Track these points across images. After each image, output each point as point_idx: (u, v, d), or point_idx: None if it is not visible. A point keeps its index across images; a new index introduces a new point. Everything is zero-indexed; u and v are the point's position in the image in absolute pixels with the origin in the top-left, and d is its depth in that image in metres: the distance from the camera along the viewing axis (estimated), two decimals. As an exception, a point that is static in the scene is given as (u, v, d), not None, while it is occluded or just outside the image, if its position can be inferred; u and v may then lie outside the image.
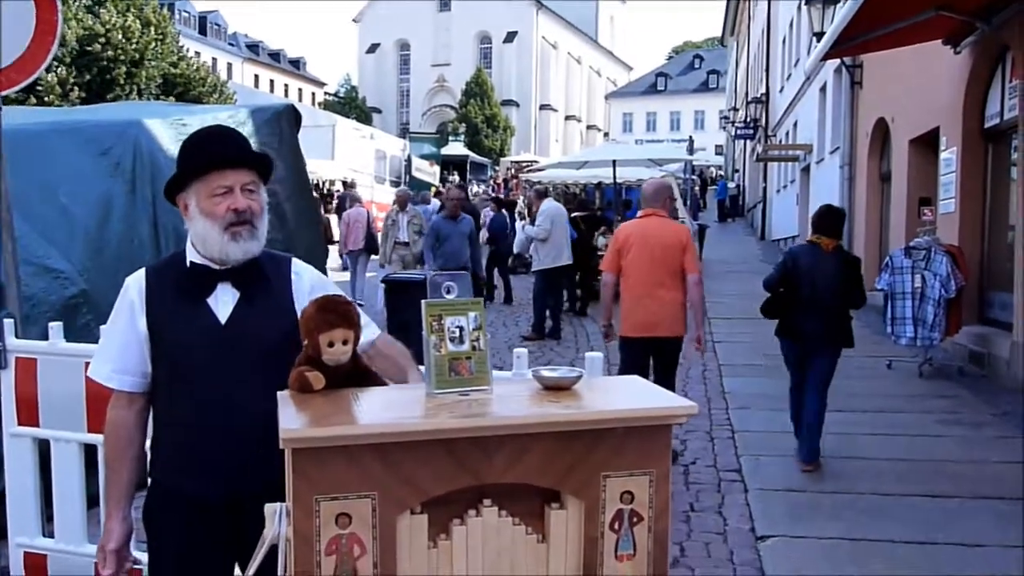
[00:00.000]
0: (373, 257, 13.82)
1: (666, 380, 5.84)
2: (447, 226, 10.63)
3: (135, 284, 2.32)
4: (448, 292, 1.75)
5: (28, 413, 3.67)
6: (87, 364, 2.47)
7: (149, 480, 2.36)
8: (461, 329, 1.73)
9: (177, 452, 2.27)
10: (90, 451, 3.53)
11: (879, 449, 6.29)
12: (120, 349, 2.31)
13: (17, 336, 3.77)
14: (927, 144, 11.29)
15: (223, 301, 2.26)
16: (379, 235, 12.71)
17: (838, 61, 15.59)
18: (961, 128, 9.57)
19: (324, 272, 7.27)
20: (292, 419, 1.53)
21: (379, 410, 1.57)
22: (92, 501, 3.63)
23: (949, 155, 9.96)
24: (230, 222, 2.21)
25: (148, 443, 2.38)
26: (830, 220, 5.94)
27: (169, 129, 6.43)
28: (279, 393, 1.72)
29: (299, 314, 2.29)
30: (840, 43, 9.33)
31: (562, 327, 11.58)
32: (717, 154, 55.66)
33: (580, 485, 1.63)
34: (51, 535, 3.71)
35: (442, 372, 1.69)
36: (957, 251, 8.79)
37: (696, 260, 6.04)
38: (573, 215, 13.56)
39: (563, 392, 1.73)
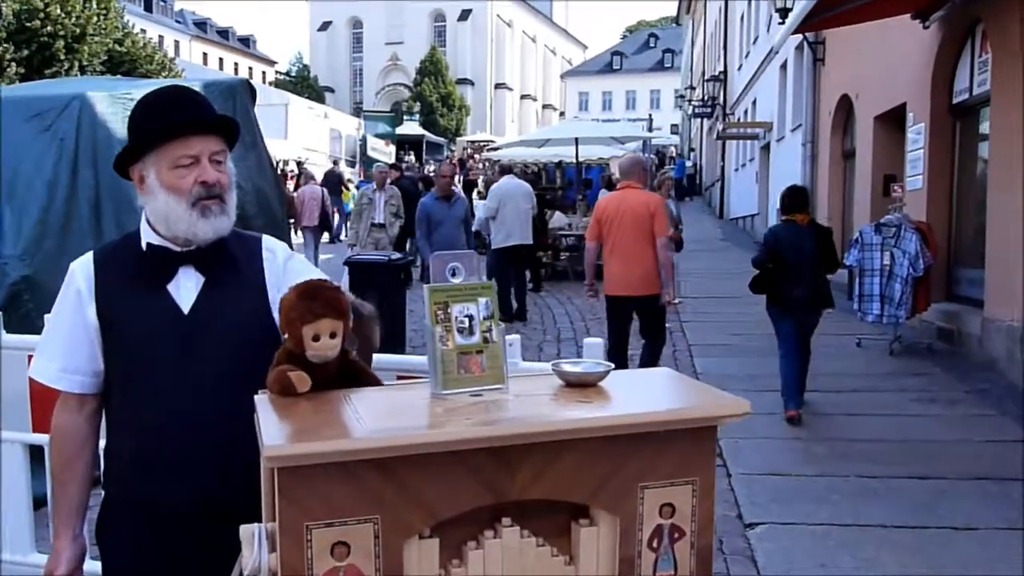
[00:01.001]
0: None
1: (654, 338, 6.89)
2: (439, 209, 9.47)
3: (81, 270, 2.02)
4: (454, 275, 1.49)
5: (-36, 412, 3.34)
6: (30, 357, 2.18)
7: (103, 493, 2.07)
8: (470, 318, 1.47)
9: (137, 460, 1.98)
10: (35, 452, 3.22)
11: (859, 430, 6.18)
12: (66, 345, 2.01)
13: (-51, 328, 3.43)
14: (893, 120, 11.22)
15: (185, 287, 1.98)
16: (351, 214, 12.06)
17: (799, 38, 15.50)
18: (929, 104, 9.49)
19: None
20: (275, 432, 1.26)
21: (379, 417, 1.32)
22: (39, 504, 3.33)
23: (916, 131, 9.90)
24: (199, 196, 1.93)
25: (101, 451, 2.09)
26: (799, 198, 6.72)
27: (115, 104, 6.01)
28: (257, 398, 1.45)
29: (272, 298, 2.03)
30: (809, 17, 9.18)
31: (527, 308, 11.35)
32: (673, 133, 55.75)
33: (614, 498, 1.40)
34: (-7, 544, 3.40)
35: (450, 369, 1.44)
36: (926, 228, 8.72)
37: (666, 225, 6.77)
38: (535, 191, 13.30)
39: (589, 390, 1.49)
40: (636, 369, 1.79)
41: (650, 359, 6.80)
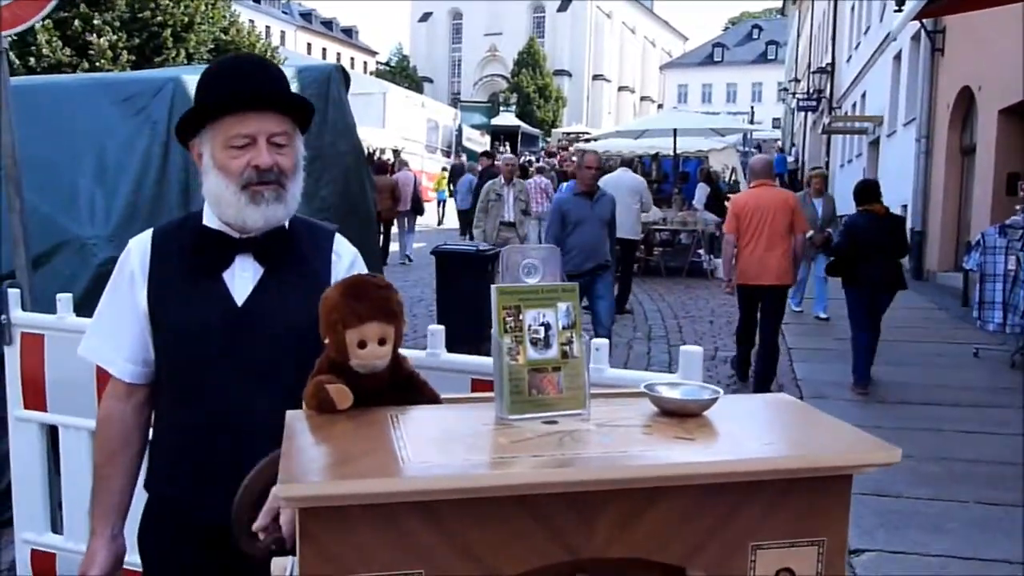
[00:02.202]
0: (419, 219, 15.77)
1: (772, 327, 7.31)
2: (579, 207, 7.33)
3: (138, 249, 1.85)
4: (529, 274, 1.23)
5: (35, 396, 3.26)
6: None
7: (146, 493, 1.90)
8: (547, 327, 1.21)
9: (179, 462, 1.81)
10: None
11: (978, 449, 5.66)
12: (116, 328, 1.85)
13: (24, 309, 3.36)
14: (1020, 114, 10.42)
15: (242, 277, 1.78)
16: (477, 211, 10.32)
17: (916, 27, 14.64)
18: (1064, 96, 8.74)
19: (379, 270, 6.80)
20: (300, 461, 1.02)
21: (428, 448, 1.06)
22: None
23: (1048, 126, 9.13)
24: (250, 181, 1.73)
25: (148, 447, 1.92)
26: (875, 191, 7.34)
27: (207, 87, 5.94)
28: (288, 415, 1.22)
29: None
30: (932, 1, 8.54)
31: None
32: (775, 127, 54.07)
33: (718, 560, 1.12)
34: (61, 531, 3.32)
35: (520, 389, 1.18)
36: (1057, 231, 8.01)
37: (803, 220, 7.36)
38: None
39: (691, 421, 1.21)
40: (748, 395, 1.44)
41: (772, 348, 7.32)
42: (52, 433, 3.32)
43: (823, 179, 10.58)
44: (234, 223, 1.77)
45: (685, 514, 1.10)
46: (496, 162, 16.16)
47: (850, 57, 24.91)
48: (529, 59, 64.94)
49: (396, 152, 22.23)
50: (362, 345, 1.22)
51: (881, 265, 6.98)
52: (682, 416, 1.23)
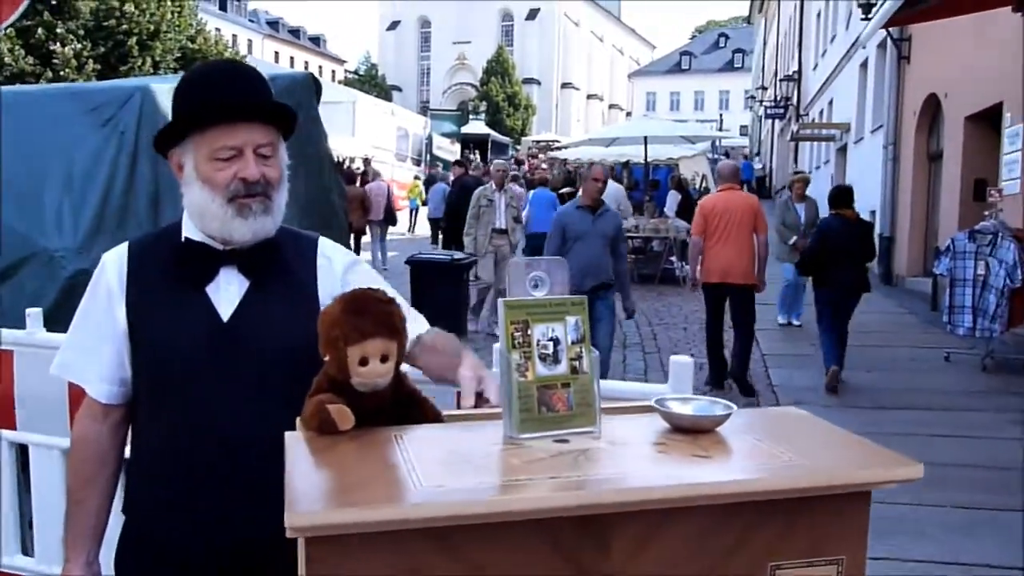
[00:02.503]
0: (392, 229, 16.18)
1: (746, 326, 7.62)
2: (581, 221, 6.79)
3: (114, 263, 1.77)
4: (536, 286, 1.19)
5: (4, 413, 3.16)
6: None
7: (123, 519, 1.82)
8: (556, 342, 1.17)
9: (160, 486, 1.73)
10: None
11: (954, 454, 5.70)
12: (92, 346, 1.77)
13: (-8, 324, 3.25)
14: (986, 120, 10.58)
15: (227, 291, 1.71)
16: (468, 218, 9.85)
17: (882, 35, 14.82)
18: (1029, 102, 8.87)
19: None
20: (305, 487, 0.97)
21: (439, 471, 1.02)
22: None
23: (1014, 132, 9.28)
24: (236, 193, 1.67)
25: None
26: (848, 196, 7.70)
27: (177, 96, 5.84)
28: (288, 436, 1.16)
29: (323, 306, 1.76)
30: (900, 9, 8.65)
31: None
32: (742, 134, 54.60)
33: (735, 581, 1.08)
34: (32, 554, 3.21)
35: (529, 407, 1.14)
36: (1024, 236, 8.12)
37: (766, 222, 7.74)
38: (560, 191, 14.78)
39: (704, 437, 1.17)
40: (758, 409, 1.40)
41: (744, 348, 7.61)
42: (22, 452, 3.22)
43: (805, 183, 10.45)
44: (219, 236, 1.71)
45: (702, 534, 1.06)
46: (470, 171, 16.15)
47: (816, 65, 25.21)
48: (498, 67, 65.00)
49: (367, 161, 22.11)
50: (364, 362, 1.17)
51: (850, 269, 7.35)
52: (695, 432, 1.19)
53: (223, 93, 1.67)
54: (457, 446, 1.11)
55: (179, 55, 23.19)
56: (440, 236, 14.70)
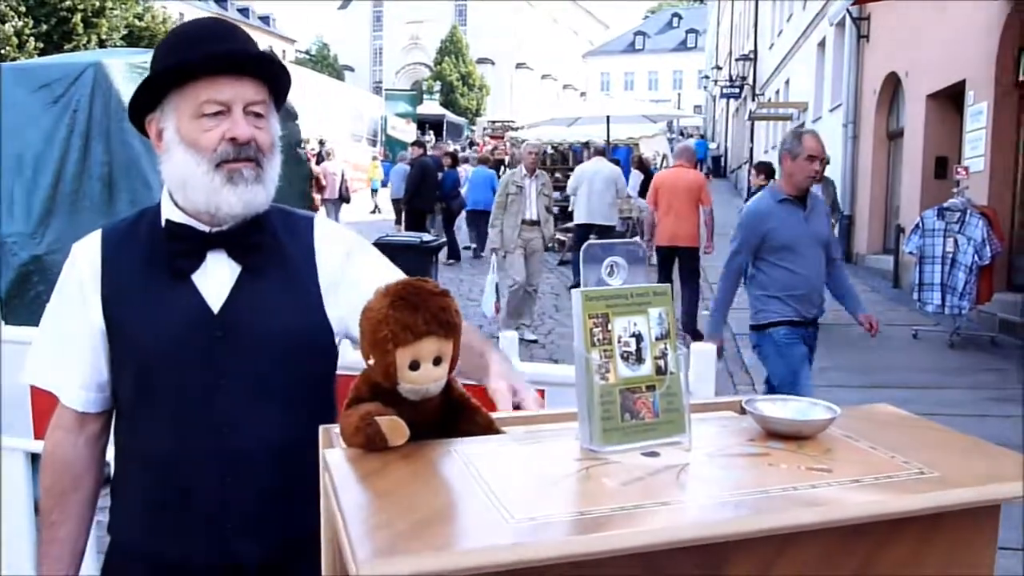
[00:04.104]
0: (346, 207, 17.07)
1: (691, 283, 8.72)
2: (791, 221, 4.57)
3: (85, 254, 1.56)
4: (611, 273, 1.02)
5: (-41, 414, 2.91)
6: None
7: (109, 540, 1.63)
8: (639, 338, 1.00)
9: (144, 504, 1.54)
10: (38, 461, 2.80)
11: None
12: (63, 349, 1.56)
13: (-57, 317, 3.00)
14: (948, 99, 10.63)
15: (216, 278, 1.52)
16: (494, 208, 8.78)
17: (840, 14, 14.86)
18: (994, 80, 8.90)
19: None
20: (367, 526, 0.80)
21: (526, 497, 0.85)
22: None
23: (977, 110, 9.31)
24: (225, 157, 1.46)
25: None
26: (772, 171, 9.09)
27: (133, 72, 5.53)
28: (327, 456, 0.98)
29: (326, 296, 1.58)
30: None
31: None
32: (696, 113, 54.82)
33: (858, 610, 0.93)
34: (-6, 564, 2.98)
35: (611, 414, 0.98)
36: (992, 213, 8.16)
37: (709, 196, 8.86)
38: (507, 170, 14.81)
39: (809, 444, 1.02)
40: (848, 407, 1.23)
41: (691, 302, 8.64)
42: (-20, 456, 2.97)
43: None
44: (205, 210, 1.49)
45: (825, 558, 0.91)
46: (429, 152, 15.92)
47: (772, 44, 25.28)
48: (451, 47, 64.47)
49: (321, 142, 21.69)
50: (415, 366, 0.99)
51: None
52: (795, 439, 1.04)
53: (208, 44, 1.47)
54: (533, 464, 0.95)
55: (125, 32, 22.47)
56: (403, 217, 14.50)
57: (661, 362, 1.01)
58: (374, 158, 25.14)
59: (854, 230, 14.20)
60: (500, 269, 8.41)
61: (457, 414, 1.09)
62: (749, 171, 11.20)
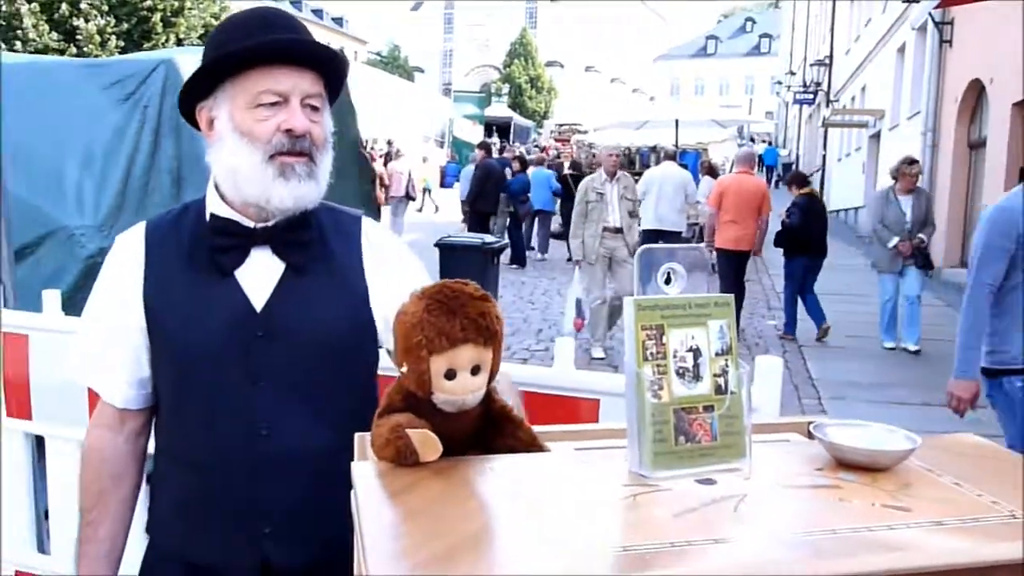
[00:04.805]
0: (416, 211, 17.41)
1: (739, 285, 8.99)
2: None
3: (128, 247, 1.53)
4: (668, 281, 0.94)
5: (19, 403, 2.95)
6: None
7: (147, 539, 1.60)
8: (696, 353, 0.92)
9: (187, 502, 1.50)
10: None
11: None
12: (105, 344, 1.53)
13: (6, 306, 3.04)
14: (1035, 107, 10.18)
15: (259, 276, 1.47)
16: (574, 216, 8.23)
17: (922, 19, 14.39)
18: (1085, 88, 8.48)
19: None
20: (389, 551, 0.73)
21: (572, 527, 0.77)
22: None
23: (1066, 119, 8.88)
24: (279, 149, 1.42)
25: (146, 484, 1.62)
26: (806, 179, 9.80)
27: (202, 66, 5.60)
28: (356, 469, 0.92)
29: (374, 296, 1.52)
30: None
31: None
32: (767, 119, 53.87)
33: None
34: (49, 552, 3.01)
35: (665, 436, 0.89)
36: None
37: (769, 204, 9.08)
38: (564, 173, 15.44)
39: (885, 478, 0.92)
40: (930, 437, 1.11)
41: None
42: (38, 444, 3.01)
43: (917, 173, 8.29)
44: (254, 202, 1.45)
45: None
46: (502, 154, 15.96)
47: (849, 50, 24.65)
48: (521, 49, 64.49)
49: (389, 142, 21.91)
50: (451, 375, 0.92)
51: (823, 241, 9.00)
52: (870, 470, 0.94)
53: (267, 32, 1.43)
54: (576, 487, 0.86)
55: (202, 32, 22.97)
56: (467, 218, 14.59)
57: (721, 380, 0.92)
58: (424, 159, 25.26)
59: (931, 242, 13.71)
60: (582, 282, 7.98)
61: (497, 428, 1.01)
62: (779, 178, 11.24)
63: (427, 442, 0.89)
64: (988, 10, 10.69)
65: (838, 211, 24.68)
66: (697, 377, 0.91)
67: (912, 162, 8.17)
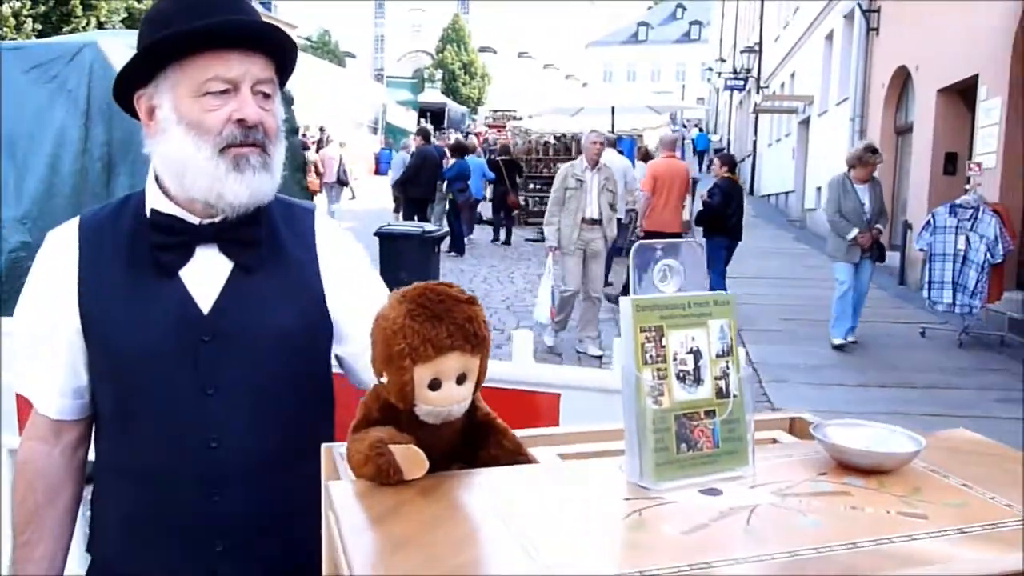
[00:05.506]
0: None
1: None
2: None
3: (61, 244, 1.41)
4: (664, 278, 0.88)
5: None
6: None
7: (87, 559, 1.49)
8: (697, 355, 0.86)
9: (131, 518, 1.39)
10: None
11: (947, 434, 5.55)
12: (36, 350, 1.42)
13: (-77, 305, 2.85)
14: (959, 94, 10.47)
15: (205, 275, 1.37)
16: (549, 204, 7.78)
17: (849, 7, 14.71)
18: (1008, 76, 8.74)
19: None
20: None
21: (565, 550, 0.71)
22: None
23: (991, 105, 9.15)
24: (231, 141, 1.31)
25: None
26: (735, 163, 10.67)
27: (132, 51, 5.37)
28: (331, 488, 0.84)
29: (329, 294, 1.44)
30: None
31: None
32: (699, 105, 54.53)
33: None
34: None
35: (666, 444, 0.83)
36: (1004, 211, 8.01)
37: (691, 187, 9.84)
38: (497, 159, 15.80)
39: (892, 480, 0.88)
40: (924, 434, 1.08)
41: None
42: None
43: (878, 162, 8.00)
44: (204, 199, 1.34)
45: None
46: (434, 141, 15.81)
47: (778, 37, 25.06)
48: (453, 35, 64.04)
49: (321, 129, 21.53)
50: (435, 385, 0.85)
51: (740, 221, 9.43)
52: (875, 473, 0.90)
53: (214, 13, 1.30)
54: (576, 504, 0.80)
55: (125, 15, 22.20)
56: (401, 206, 14.42)
57: (722, 383, 0.87)
58: (341, 144, 24.85)
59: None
60: (554, 272, 7.65)
61: (481, 437, 0.95)
62: (711, 162, 11.59)
63: (412, 459, 0.82)
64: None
65: (769, 196, 25.15)
66: (698, 380, 0.86)
67: (875, 151, 7.86)
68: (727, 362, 0.88)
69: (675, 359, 0.85)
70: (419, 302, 0.84)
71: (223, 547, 1.35)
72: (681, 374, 0.85)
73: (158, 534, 1.36)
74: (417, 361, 0.83)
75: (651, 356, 0.84)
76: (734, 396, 0.87)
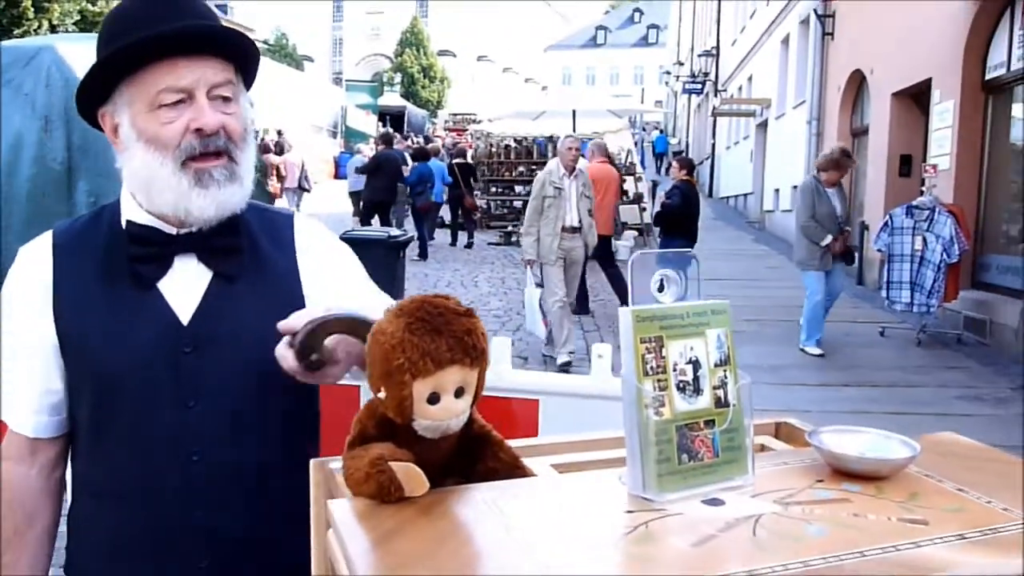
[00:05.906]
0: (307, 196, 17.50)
1: (611, 267, 9.64)
2: None
3: (35, 259, 1.38)
4: (662, 288, 0.88)
5: None
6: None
7: (65, 577, 1.45)
8: (696, 365, 0.86)
9: (112, 538, 1.36)
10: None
11: (909, 432, 5.63)
12: (11, 367, 1.38)
13: None
14: (913, 97, 10.68)
15: (185, 286, 1.35)
16: (527, 212, 7.55)
17: (805, 12, 14.93)
18: (960, 79, 8.93)
19: None
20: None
21: (581, 565, 0.70)
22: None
23: (943, 109, 9.34)
24: (190, 153, 1.29)
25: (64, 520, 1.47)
26: (693, 165, 10.83)
27: (91, 55, 5.27)
28: (331, 507, 0.82)
29: (308, 298, 1.42)
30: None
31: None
32: (657, 108, 54.95)
33: None
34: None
35: (668, 455, 0.83)
36: (959, 211, 8.18)
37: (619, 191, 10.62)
38: (452, 162, 15.94)
39: (890, 486, 0.89)
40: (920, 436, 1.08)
41: (619, 278, 9.37)
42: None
43: (847, 166, 7.88)
44: (172, 214, 1.33)
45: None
46: (395, 145, 15.74)
47: (735, 41, 25.36)
48: (412, 38, 63.86)
49: (279, 133, 21.32)
50: (434, 399, 0.84)
51: (696, 223, 9.53)
52: (871, 479, 0.90)
53: (159, 20, 1.27)
54: (581, 519, 0.80)
55: (78, 18, 21.81)
56: (361, 211, 14.34)
57: (720, 392, 0.88)
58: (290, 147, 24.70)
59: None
60: (537, 283, 7.42)
61: (478, 450, 0.94)
62: (669, 165, 11.90)
63: (413, 477, 0.81)
64: (868, 3, 11.15)
65: (728, 198, 25.43)
66: (697, 391, 0.86)
67: (849, 154, 7.76)
68: (725, 371, 0.88)
69: (675, 369, 0.85)
70: (417, 316, 0.83)
71: (207, 564, 1.33)
72: (681, 384, 0.85)
73: (140, 553, 1.33)
74: (416, 376, 0.82)
75: (652, 367, 0.84)
76: (733, 405, 0.88)
